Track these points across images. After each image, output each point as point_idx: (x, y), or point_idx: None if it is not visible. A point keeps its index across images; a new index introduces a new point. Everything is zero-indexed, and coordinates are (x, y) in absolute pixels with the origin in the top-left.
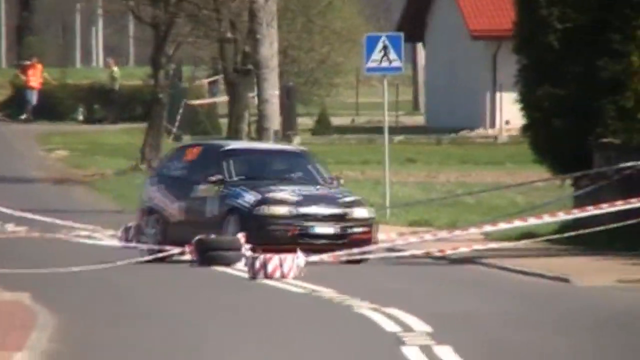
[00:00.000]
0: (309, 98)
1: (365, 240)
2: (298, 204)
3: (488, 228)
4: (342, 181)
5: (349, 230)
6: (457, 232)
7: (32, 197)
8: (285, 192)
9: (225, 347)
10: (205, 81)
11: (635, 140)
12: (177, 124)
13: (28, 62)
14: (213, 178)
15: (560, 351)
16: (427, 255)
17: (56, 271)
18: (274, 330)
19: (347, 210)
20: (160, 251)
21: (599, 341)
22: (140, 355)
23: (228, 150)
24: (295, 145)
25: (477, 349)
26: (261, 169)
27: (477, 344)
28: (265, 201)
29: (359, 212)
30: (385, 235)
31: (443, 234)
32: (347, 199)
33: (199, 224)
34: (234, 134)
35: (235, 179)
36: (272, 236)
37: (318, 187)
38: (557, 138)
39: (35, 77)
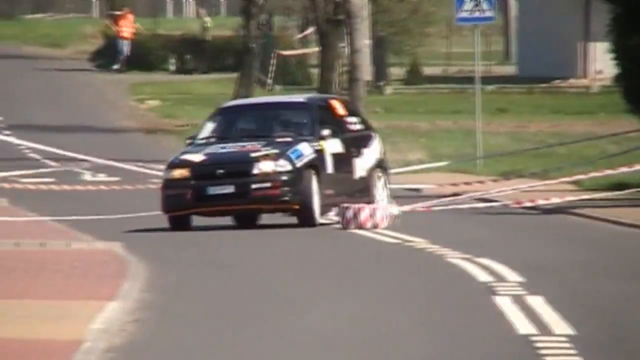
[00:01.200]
0: (401, 48)
1: (271, 196)
2: (200, 164)
3: (580, 177)
4: (326, 132)
5: (250, 187)
6: (549, 182)
7: (124, 147)
8: (199, 153)
9: (316, 296)
10: (299, 36)
11: None
12: (270, 74)
13: (119, 12)
14: (187, 141)
15: None
16: (519, 205)
17: (146, 215)
18: (366, 279)
19: (251, 165)
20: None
21: None
22: (230, 302)
23: (223, 107)
24: (305, 96)
25: (569, 300)
26: (240, 126)
27: (568, 295)
28: (170, 165)
29: (265, 166)
30: (478, 185)
31: (535, 183)
32: (258, 154)
33: None
34: (325, 85)
35: (202, 139)
36: (171, 201)
37: (257, 142)
38: None
39: (127, 28)
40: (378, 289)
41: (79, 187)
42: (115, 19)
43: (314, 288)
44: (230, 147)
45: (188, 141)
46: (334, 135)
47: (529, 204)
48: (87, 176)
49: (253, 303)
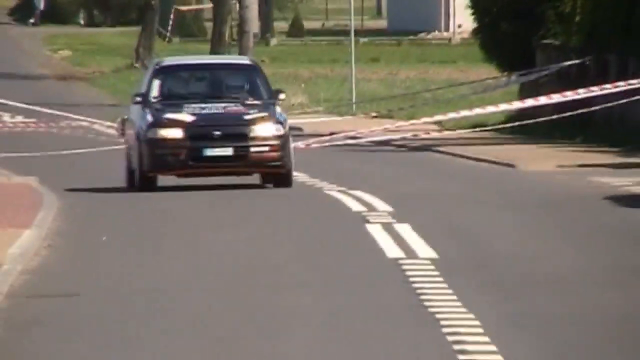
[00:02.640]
0: (284, 4)
1: (269, 159)
2: (193, 124)
3: (440, 117)
4: (282, 96)
5: (248, 151)
6: (414, 122)
7: (39, 92)
8: (183, 113)
9: (212, 225)
10: None
11: (572, 41)
12: (169, 28)
13: None
14: (137, 98)
15: (505, 226)
16: (388, 142)
17: (60, 154)
18: (253, 212)
19: (248, 128)
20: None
21: (539, 218)
22: (130, 225)
23: (163, 66)
24: (241, 57)
25: (432, 227)
26: (194, 86)
27: (432, 222)
28: (157, 123)
29: (262, 130)
30: (352, 125)
31: (402, 123)
32: (253, 116)
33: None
34: (218, 37)
35: (154, 98)
36: (163, 161)
37: (235, 104)
38: (504, 40)
39: None
40: (263, 219)
41: None
42: None
43: (210, 218)
44: (214, 108)
45: (137, 99)
46: None
47: (396, 142)
48: (6, 118)
49: (160, 227)
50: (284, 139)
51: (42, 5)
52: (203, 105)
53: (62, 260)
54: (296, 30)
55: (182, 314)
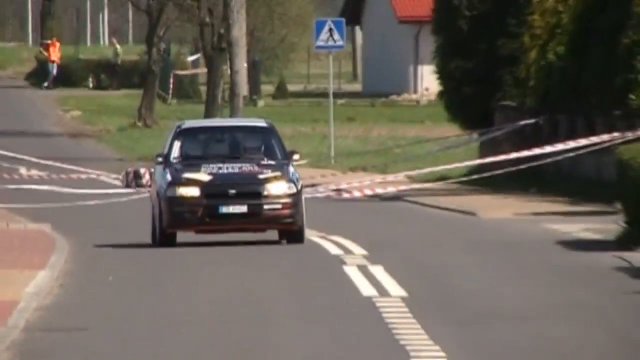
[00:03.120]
0: (271, 69)
1: (283, 216)
2: (210, 183)
3: (410, 172)
4: (297, 157)
5: (262, 208)
6: (387, 175)
7: (52, 148)
8: (201, 172)
9: (207, 263)
10: (190, 59)
11: (527, 103)
12: (170, 90)
13: (49, 41)
14: (159, 159)
15: (468, 265)
16: (363, 194)
17: (71, 205)
18: (235, 255)
19: (262, 187)
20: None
21: (498, 258)
22: (139, 270)
23: (184, 129)
24: (258, 119)
25: (403, 268)
26: (213, 147)
27: (403, 264)
28: (175, 182)
29: (276, 189)
30: (331, 177)
31: (376, 176)
32: (267, 176)
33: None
34: (211, 98)
35: (175, 159)
36: (181, 218)
37: (250, 164)
38: (466, 101)
39: (55, 53)
40: (252, 258)
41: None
42: (46, 46)
43: (209, 257)
44: (230, 168)
45: (159, 159)
46: None
47: (370, 193)
48: (23, 171)
49: (161, 271)
50: (296, 197)
51: (54, 71)
52: (220, 165)
53: (72, 298)
54: (281, 92)
55: (178, 344)
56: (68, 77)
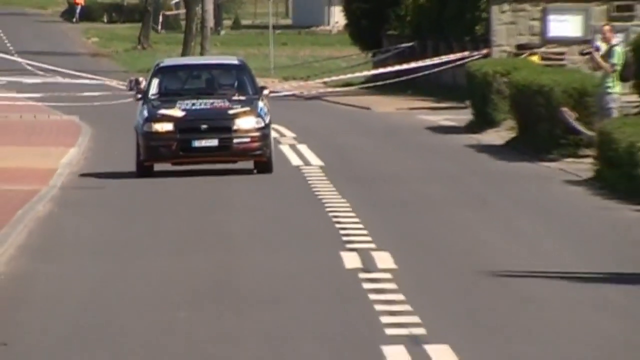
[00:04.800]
0: (230, 9)
1: (251, 149)
2: (183, 119)
3: (325, 79)
4: (266, 91)
5: (232, 142)
6: (310, 82)
7: (78, 63)
8: (175, 109)
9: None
10: (173, 2)
11: (405, 32)
12: (160, 24)
13: None
14: (138, 95)
15: (366, 144)
16: (294, 95)
17: (91, 104)
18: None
19: (232, 122)
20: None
21: (385, 140)
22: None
23: (162, 67)
24: (231, 57)
25: (321, 146)
26: (188, 84)
27: (320, 143)
28: (151, 118)
29: (245, 123)
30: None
31: (302, 83)
32: (236, 111)
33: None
34: (188, 29)
35: (153, 95)
36: (157, 151)
37: (222, 100)
38: (364, 31)
39: None
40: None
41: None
42: None
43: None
44: (202, 104)
45: (139, 96)
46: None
47: (297, 93)
48: (59, 78)
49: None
50: (264, 130)
51: (80, 10)
52: (194, 101)
53: (94, 167)
54: (236, 25)
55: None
56: (89, 14)
